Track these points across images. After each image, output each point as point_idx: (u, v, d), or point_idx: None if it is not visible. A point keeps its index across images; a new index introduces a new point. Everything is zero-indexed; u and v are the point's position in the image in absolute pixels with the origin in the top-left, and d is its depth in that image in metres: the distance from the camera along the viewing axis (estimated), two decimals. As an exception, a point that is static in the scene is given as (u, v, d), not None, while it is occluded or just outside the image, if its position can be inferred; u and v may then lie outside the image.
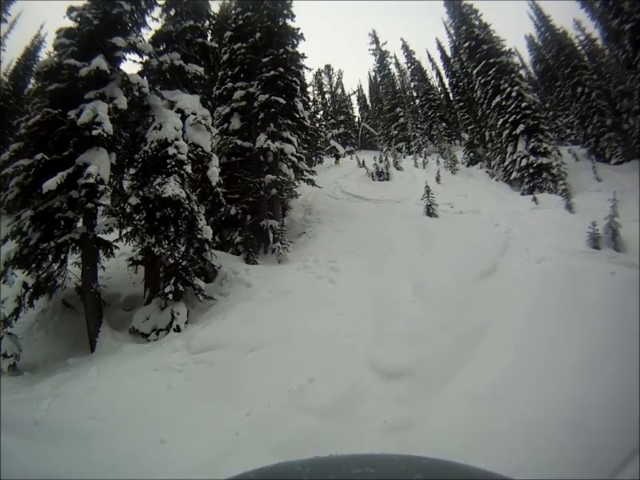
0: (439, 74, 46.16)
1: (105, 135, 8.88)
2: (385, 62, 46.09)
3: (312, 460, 1.01)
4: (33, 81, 14.66)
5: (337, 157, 29.87)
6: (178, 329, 9.10)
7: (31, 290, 9.39)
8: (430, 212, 16.23)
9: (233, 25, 16.25)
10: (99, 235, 9.74)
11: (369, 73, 57.10)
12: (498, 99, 24.15)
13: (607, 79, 28.04)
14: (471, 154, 28.89)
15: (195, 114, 10.60)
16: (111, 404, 6.37)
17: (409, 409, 6.46)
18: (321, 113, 44.29)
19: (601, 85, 27.41)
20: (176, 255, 9.97)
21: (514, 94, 23.50)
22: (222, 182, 11.82)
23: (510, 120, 23.15)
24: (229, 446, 5.82)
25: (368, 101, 53.54)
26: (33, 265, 9.26)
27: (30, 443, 5.37)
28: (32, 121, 9.14)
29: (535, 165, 21.18)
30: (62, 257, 9.77)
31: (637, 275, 9.21)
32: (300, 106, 15.63)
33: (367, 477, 0.91)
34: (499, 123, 23.90)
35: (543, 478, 4.61)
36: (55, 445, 5.46)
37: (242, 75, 15.71)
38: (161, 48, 11.62)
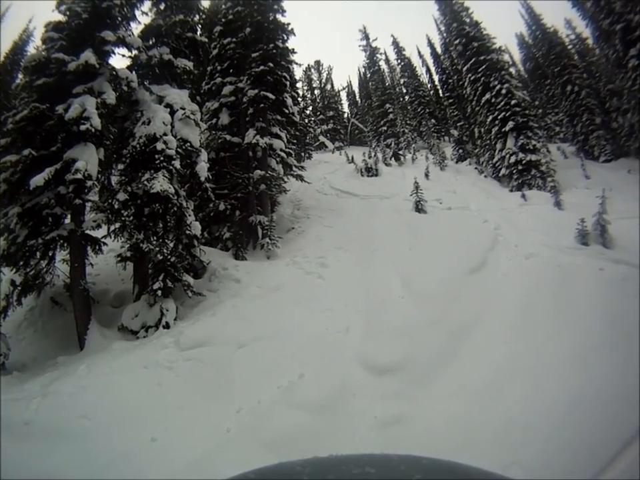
0: (428, 71, 46.27)
1: (93, 130, 8.79)
2: (375, 58, 46.08)
3: (312, 460, 1.01)
4: (20, 75, 14.47)
5: (397, 156, 29.28)
6: (167, 326, 9.03)
7: (19, 288, 9.28)
8: (419, 208, 16.29)
9: (223, 19, 16.13)
10: (87, 232, 9.63)
11: (358, 69, 57.06)
12: (487, 96, 24.29)
13: (596, 78, 28.35)
14: (460, 150, 29.09)
15: (183, 109, 10.52)
16: (101, 402, 6.33)
17: (399, 405, 6.50)
18: (310, 108, 44.17)
19: (590, 83, 27.73)
20: (165, 251, 9.89)
21: (504, 91, 23.67)
22: (211, 177, 11.74)
23: (499, 117, 23.32)
24: (219, 443, 5.82)
25: (357, 97, 53.63)
26: (21, 263, 9.15)
27: (20, 443, 5.32)
28: (19, 116, 9.03)
29: (523, 161, 21.35)
30: (50, 254, 9.67)
31: (625, 271, 9.31)
32: (289, 101, 15.58)
33: (366, 477, 0.91)
34: (489, 119, 24.07)
35: (538, 476, 4.64)
36: (46, 444, 5.42)
37: (231, 70, 15.61)
38: (150, 42, 11.50)
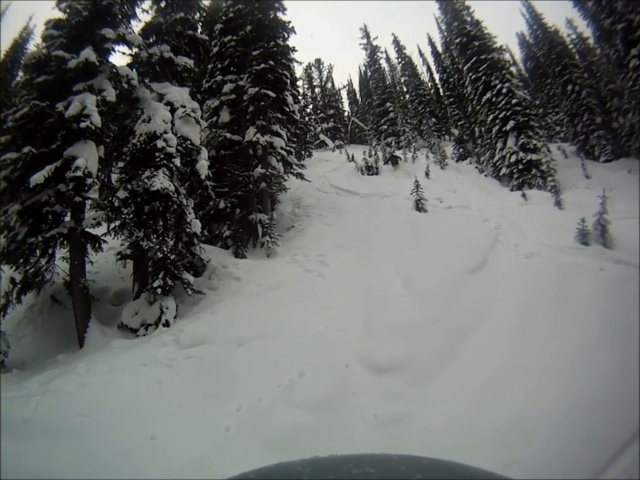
0: (429, 69, 46.17)
1: (93, 127, 8.78)
2: (375, 57, 45.95)
3: (312, 460, 1.01)
4: (21, 73, 14.45)
5: (394, 159, 26.80)
6: (167, 324, 9.04)
7: (19, 285, 9.28)
8: (419, 207, 16.26)
9: (224, 17, 16.13)
10: (87, 229, 9.64)
11: (359, 68, 56.91)
12: (488, 95, 24.28)
13: (597, 78, 28.34)
14: (461, 149, 29.07)
15: (184, 107, 10.51)
16: (101, 400, 6.32)
17: (399, 403, 6.49)
18: (311, 106, 44.19)
19: (591, 83, 27.72)
20: (165, 248, 9.87)
21: (504, 90, 23.65)
22: (211, 175, 11.75)
23: (500, 116, 23.31)
24: (219, 442, 5.82)
25: (358, 96, 53.55)
26: (21, 260, 9.14)
27: (19, 441, 5.32)
28: (19, 114, 9.01)
29: (524, 161, 21.34)
30: (50, 252, 9.66)
31: (625, 272, 9.30)
32: (290, 99, 15.59)
33: (366, 477, 0.91)
34: (489, 119, 24.05)
35: (538, 476, 4.63)
36: (45, 442, 5.42)
37: (232, 68, 15.64)
38: (151, 40, 11.48)
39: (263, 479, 1.00)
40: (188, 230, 10.18)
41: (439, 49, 40.19)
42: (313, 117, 40.62)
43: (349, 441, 5.76)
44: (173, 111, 10.37)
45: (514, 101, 23.12)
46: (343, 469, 0.96)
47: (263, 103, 14.66)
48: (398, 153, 28.19)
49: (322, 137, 38.12)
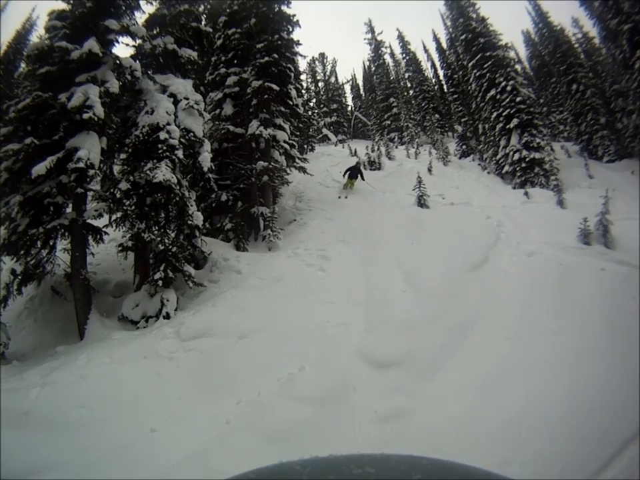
0: (433, 65, 46.36)
1: (96, 118, 8.75)
2: (379, 52, 46.06)
3: (312, 460, 1.00)
4: (23, 64, 14.43)
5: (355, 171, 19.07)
6: (167, 316, 9.05)
7: (20, 277, 9.30)
8: (421, 203, 16.22)
9: (228, 9, 16.04)
10: (88, 221, 9.63)
11: (363, 63, 57.13)
12: (493, 92, 24.20)
13: (602, 78, 28.29)
14: (464, 146, 28.99)
15: (187, 99, 10.47)
16: (101, 392, 6.32)
17: (399, 399, 6.51)
18: (314, 101, 44.13)
19: (596, 83, 27.66)
20: (166, 241, 9.87)
21: (509, 88, 23.55)
22: (213, 168, 11.74)
23: (504, 114, 23.23)
24: (219, 435, 5.82)
25: (361, 91, 53.52)
26: (22, 252, 9.15)
27: (19, 433, 5.32)
28: (22, 105, 8.99)
29: (527, 159, 21.27)
30: (51, 243, 9.67)
31: (626, 272, 9.29)
32: (293, 93, 15.54)
33: (366, 477, 0.90)
34: (493, 116, 23.97)
35: (538, 475, 4.64)
36: (45, 434, 5.42)
37: (235, 61, 15.58)
38: (155, 32, 11.42)
39: (262, 479, 0.99)
40: (189, 222, 10.17)
41: (444, 45, 40.28)
42: (316, 111, 40.57)
43: (348, 435, 5.78)
44: (176, 102, 10.33)
45: (518, 99, 23.04)
46: (343, 469, 0.95)
47: (266, 96, 14.61)
48: (400, 147, 27.87)
49: (325, 131, 38.10)
